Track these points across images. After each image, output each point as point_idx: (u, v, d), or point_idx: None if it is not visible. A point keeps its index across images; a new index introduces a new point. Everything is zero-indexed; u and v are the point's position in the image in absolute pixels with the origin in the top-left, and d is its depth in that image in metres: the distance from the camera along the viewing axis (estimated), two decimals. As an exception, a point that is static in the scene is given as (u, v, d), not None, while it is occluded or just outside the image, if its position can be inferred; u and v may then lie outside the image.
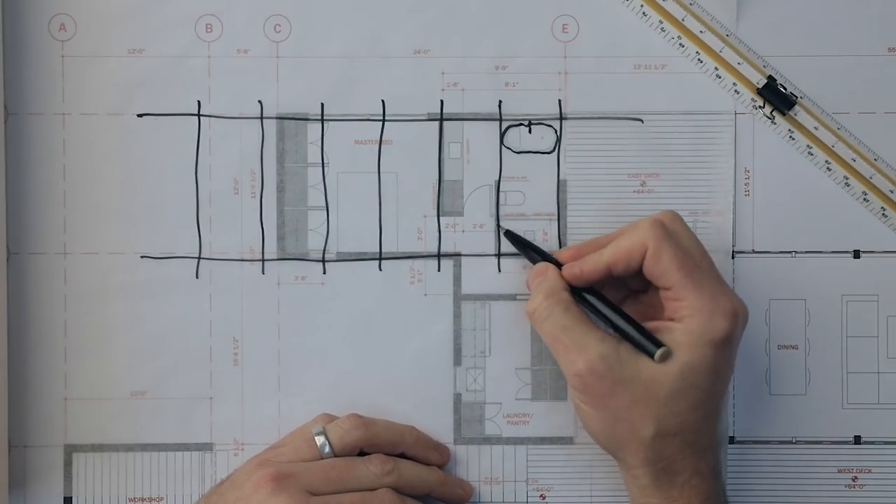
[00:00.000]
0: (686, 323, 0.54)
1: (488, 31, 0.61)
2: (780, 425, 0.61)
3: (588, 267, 0.56)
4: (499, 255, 0.61)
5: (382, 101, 0.61)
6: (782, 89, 0.61)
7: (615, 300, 0.58)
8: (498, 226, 0.61)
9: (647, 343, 0.54)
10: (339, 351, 0.61)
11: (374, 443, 0.58)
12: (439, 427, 0.61)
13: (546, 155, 0.61)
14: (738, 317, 0.54)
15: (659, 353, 0.53)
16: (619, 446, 0.55)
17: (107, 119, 0.61)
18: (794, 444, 0.61)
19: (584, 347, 0.54)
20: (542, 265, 0.58)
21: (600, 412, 0.54)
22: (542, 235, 0.61)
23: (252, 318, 0.61)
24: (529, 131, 0.61)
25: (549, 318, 0.56)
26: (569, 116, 0.61)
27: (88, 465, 0.61)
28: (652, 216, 0.56)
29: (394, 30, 0.61)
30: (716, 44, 0.61)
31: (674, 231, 0.55)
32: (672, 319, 0.54)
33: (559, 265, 0.58)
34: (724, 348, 0.54)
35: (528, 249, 0.60)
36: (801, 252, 0.61)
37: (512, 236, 0.61)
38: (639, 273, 0.55)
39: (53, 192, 0.60)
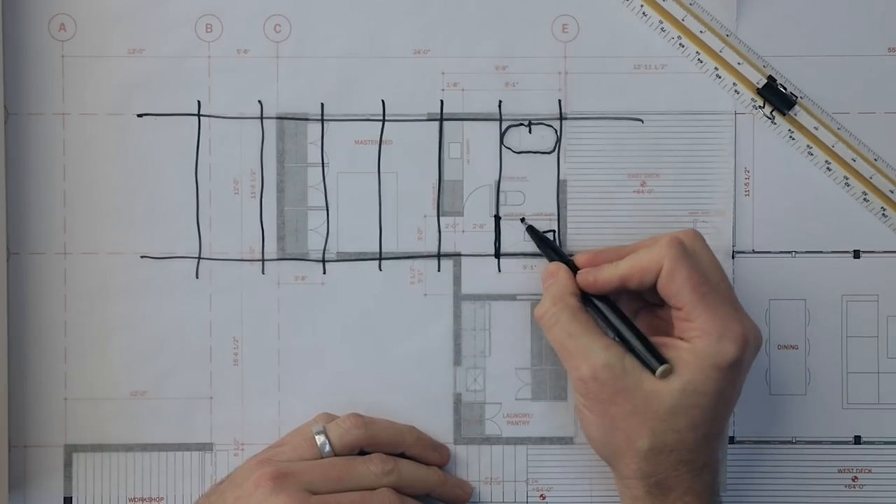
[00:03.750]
0: (693, 343, 0.53)
1: (488, 31, 0.61)
2: (780, 425, 0.61)
3: (602, 276, 0.56)
4: (498, 255, 0.61)
5: (382, 101, 0.61)
6: (782, 89, 0.61)
7: (631, 311, 0.58)
8: (522, 220, 0.61)
9: (650, 358, 0.54)
10: (338, 351, 0.61)
11: (374, 442, 0.58)
12: (439, 427, 0.61)
13: (546, 155, 0.61)
14: (748, 342, 0.53)
15: (660, 369, 0.53)
16: (614, 454, 0.55)
17: (106, 119, 0.61)
18: (794, 444, 0.61)
19: (589, 354, 0.54)
20: (555, 265, 0.58)
21: (599, 418, 0.54)
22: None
23: (252, 318, 0.61)
24: (529, 131, 0.61)
25: (557, 325, 0.56)
26: (569, 116, 0.61)
27: (88, 465, 0.61)
28: (672, 234, 0.55)
29: (394, 30, 0.61)
30: (716, 44, 0.61)
31: (692, 251, 0.55)
32: (681, 338, 0.54)
33: (574, 266, 0.58)
34: (731, 373, 0.53)
35: (546, 247, 0.60)
36: (801, 252, 0.61)
37: (533, 231, 0.60)
38: (654, 288, 0.55)
39: (53, 192, 0.60)
